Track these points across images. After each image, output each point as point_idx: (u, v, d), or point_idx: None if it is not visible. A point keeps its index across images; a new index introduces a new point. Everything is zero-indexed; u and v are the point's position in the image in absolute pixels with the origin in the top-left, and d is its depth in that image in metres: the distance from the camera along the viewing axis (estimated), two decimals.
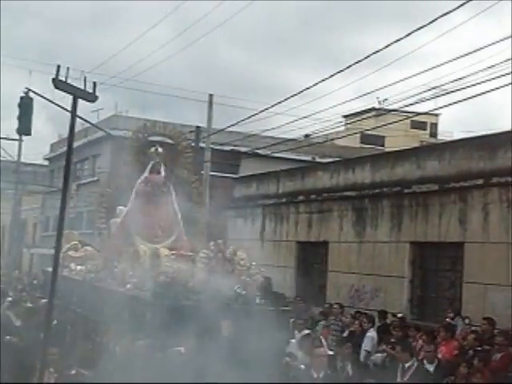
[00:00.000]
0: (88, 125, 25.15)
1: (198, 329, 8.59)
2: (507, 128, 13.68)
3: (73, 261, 13.32)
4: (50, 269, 14.11)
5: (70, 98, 5.94)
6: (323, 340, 11.34)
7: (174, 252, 11.11)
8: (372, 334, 12.27)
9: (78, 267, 12.82)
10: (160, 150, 12.46)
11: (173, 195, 12.17)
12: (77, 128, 6.00)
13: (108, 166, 30.56)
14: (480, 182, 13.03)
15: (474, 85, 11.93)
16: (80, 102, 5.89)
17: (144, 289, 9.95)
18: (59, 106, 17.25)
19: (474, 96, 12.11)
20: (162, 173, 12.31)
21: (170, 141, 12.96)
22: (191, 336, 8.59)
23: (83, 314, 11.58)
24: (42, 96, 19.82)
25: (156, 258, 10.88)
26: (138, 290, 10.08)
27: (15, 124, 20.88)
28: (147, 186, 12.05)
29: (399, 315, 13.06)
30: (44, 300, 12.64)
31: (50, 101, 18.22)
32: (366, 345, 12.09)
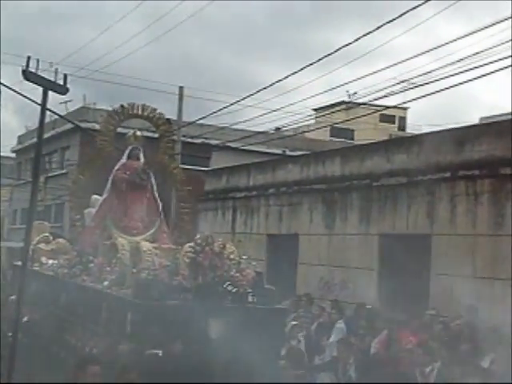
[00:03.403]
0: (56, 117, 24.93)
1: (185, 331, 7.85)
2: (473, 122, 13.87)
3: (44, 254, 12.43)
4: (18, 263, 13.25)
5: (38, 89, 5.86)
6: None
7: (155, 246, 10.19)
8: (341, 325, 12.38)
9: (50, 261, 11.97)
10: (139, 133, 11.59)
11: (153, 183, 11.29)
12: (45, 120, 5.96)
13: (77, 158, 30.32)
14: (447, 175, 13.20)
15: (442, 78, 12.10)
16: (49, 93, 5.82)
17: (124, 286, 9.13)
18: (28, 98, 17.00)
19: (443, 89, 12.28)
20: (142, 159, 11.39)
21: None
22: (177, 339, 7.80)
23: (56, 312, 10.71)
24: (9, 88, 19.55)
25: (136, 252, 9.89)
26: (117, 288, 9.21)
27: None
28: (125, 173, 11.11)
29: (367, 307, 13.18)
30: (12, 297, 11.91)
31: (19, 93, 17.97)
32: (336, 336, 12.19)
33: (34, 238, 13.22)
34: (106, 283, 9.57)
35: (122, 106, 11.83)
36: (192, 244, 9.32)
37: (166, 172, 11.96)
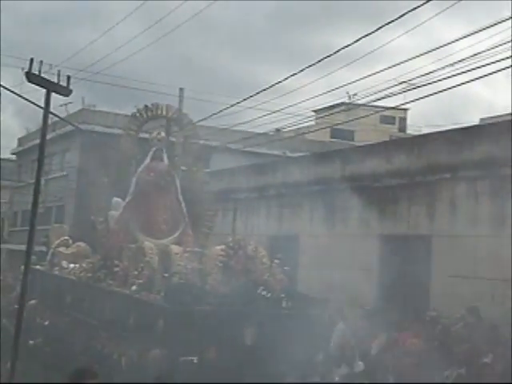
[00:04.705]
0: (56, 119, 24.91)
1: (218, 337, 7.63)
2: (473, 122, 13.89)
3: (64, 258, 12.22)
4: (37, 267, 12.98)
5: (38, 91, 5.89)
6: None
7: (187, 249, 9.86)
8: (342, 326, 12.39)
9: (71, 265, 11.77)
10: (162, 134, 11.38)
11: (178, 185, 11.05)
12: (48, 121, 5.98)
13: (77, 160, 30.35)
14: (447, 175, 13.21)
15: (441, 79, 12.12)
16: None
17: (153, 291, 8.83)
18: (30, 101, 16.93)
19: (443, 91, 12.30)
20: (165, 160, 11.16)
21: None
22: (210, 345, 7.60)
23: (79, 317, 10.45)
24: (10, 90, 19.55)
25: (166, 256, 9.53)
26: (147, 293, 8.90)
27: None
28: (149, 174, 10.86)
29: (367, 308, 13.20)
30: (32, 301, 11.49)
31: (20, 95, 17.94)
32: (337, 337, 12.20)
33: (53, 241, 13.03)
34: (133, 288, 9.24)
35: (145, 106, 11.47)
36: (224, 247, 9.07)
37: (190, 174, 11.63)
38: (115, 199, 11.50)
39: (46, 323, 10.89)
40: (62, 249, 12.69)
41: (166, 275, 8.85)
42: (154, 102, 11.57)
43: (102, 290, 9.95)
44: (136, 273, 9.40)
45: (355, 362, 9.36)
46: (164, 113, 11.59)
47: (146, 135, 11.82)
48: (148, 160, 11.11)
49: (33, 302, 11.52)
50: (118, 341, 9.01)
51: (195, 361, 7.54)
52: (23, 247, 7.20)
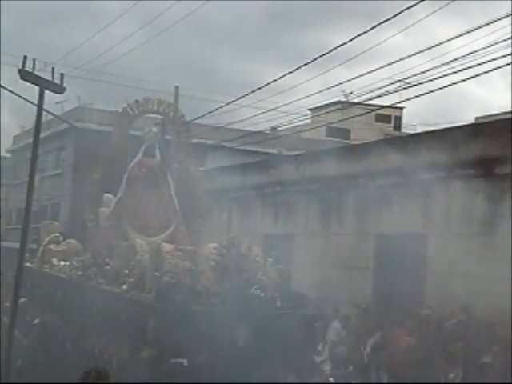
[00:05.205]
0: (51, 117, 24.85)
1: (210, 338, 7.45)
2: (469, 121, 13.88)
3: (54, 255, 12.03)
4: (27, 264, 12.79)
5: (33, 89, 5.86)
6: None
7: (179, 247, 9.54)
8: (336, 324, 12.43)
9: (62, 263, 11.56)
10: (155, 129, 11.23)
11: (170, 181, 10.85)
12: (41, 119, 5.94)
13: (72, 158, 30.29)
14: (443, 174, 13.22)
15: (437, 78, 12.13)
16: (45, 93, 5.83)
17: (144, 290, 8.62)
18: (24, 98, 16.90)
19: (438, 89, 12.31)
20: (158, 156, 10.96)
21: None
22: (202, 346, 7.44)
23: (69, 315, 10.24)
24: (5, 88, 19.52)
25: (157, 254, 9.28)
26: (137, 292, 8.68)
27: None
28: (141, 171, 10.67)
29: (362, 306, 13.21)
30: (22, 299, 10.89)
31: (15, 93, 17.94)
32: (332, 336, 12.24)
33: (43, 239, 12.85)
34: (124, 286, 9.06)
35: (136, 101, 11.25)
36: (217, 245, 8.91)
37: (183, 170, 11.44)
38: (106, 195, 11.29)
39: (36, 322, 10.78)
40: (52, 246, 12.43)
41: (157, 274, 8.69)
42: (145, 97, 11.38)
43: (92, 289, 9.73)
44: (127, 271, 9.21)
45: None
46: (155, 108, 11.36)
47: (139, 133, 11.67)
48: (139, 156, 10.93)
49: (22, 299, 11.42)
50: (109, 340, 8.83)
51: (185, 363, 7.40)
52: (17, 245, 7.14)
